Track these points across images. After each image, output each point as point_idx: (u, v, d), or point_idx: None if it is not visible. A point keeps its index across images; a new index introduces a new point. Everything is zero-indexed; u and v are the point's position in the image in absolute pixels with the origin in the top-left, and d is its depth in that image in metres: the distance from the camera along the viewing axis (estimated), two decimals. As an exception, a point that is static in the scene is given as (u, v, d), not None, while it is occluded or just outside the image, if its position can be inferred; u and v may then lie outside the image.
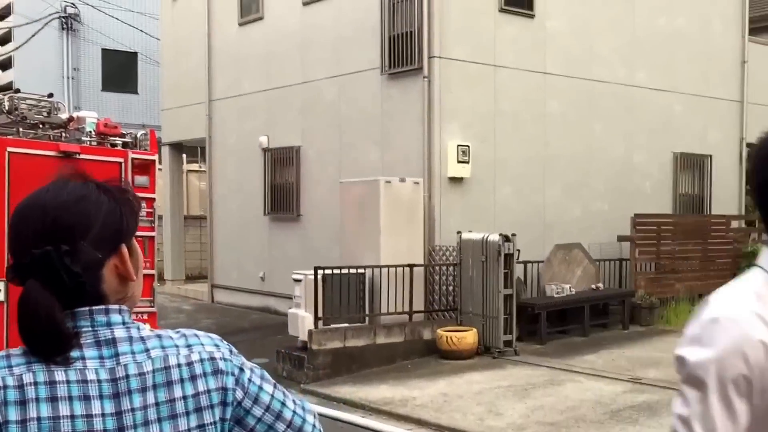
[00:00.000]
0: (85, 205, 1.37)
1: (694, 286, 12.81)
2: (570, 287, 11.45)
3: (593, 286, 11.88)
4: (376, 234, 10.50)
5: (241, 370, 1.45)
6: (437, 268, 10.91)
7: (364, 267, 10.23)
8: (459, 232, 10.58)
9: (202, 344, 1.44)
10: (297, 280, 10.25)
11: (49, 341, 1.30)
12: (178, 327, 1.49)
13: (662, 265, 12.62)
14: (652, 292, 12.18)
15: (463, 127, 11.35)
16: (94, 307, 1.35)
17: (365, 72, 12.03)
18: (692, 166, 14.20)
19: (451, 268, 10.74)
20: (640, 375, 9.00)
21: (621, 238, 12.38)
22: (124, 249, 1.41)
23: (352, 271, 10.12)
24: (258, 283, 14.40)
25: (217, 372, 1.41)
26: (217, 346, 1.46)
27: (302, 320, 9.97)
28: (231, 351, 1.47)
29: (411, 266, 10.35)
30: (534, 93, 12.07)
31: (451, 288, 10.78)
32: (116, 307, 1.38)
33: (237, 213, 14.91)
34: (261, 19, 14.17)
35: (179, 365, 1.38)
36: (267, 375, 1.51)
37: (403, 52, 11.36)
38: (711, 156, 14.37)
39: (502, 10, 11.71)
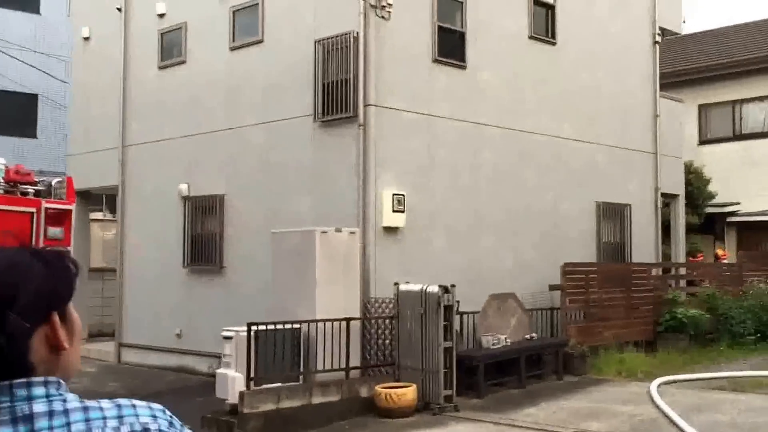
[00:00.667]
0: (16, 273, 1.33)
1: (620, 333, 12.97)
2: (505, 338, 11.33)
3: (527, 336, 11.81)
4: (312, 286, 10.10)
5: None
6: (374, 321, 10.57)
7: (300, 322, 9.79)
8: (396, 284, 10.31)
9: (137, 415, 1.37)
10: (227, 338, 9.70)
11: None
12: (78, 394, 1.38)
13: (591, 313, 12.71)
14: (582, 340, 12.21)
15: (398, 175, 11.17)
16: (14, 381, 1.29)
17: (297, 119, 11.73)
18: (613, 215, 14.48)
19: (388, 321, 10.43)
20: (583, 428, 8.88)
21: (552, 287, 12.41)
22: (55, 317, 1.36)
23: (287, 326, 9.67)
24: (174, 340, 13.61)
25: None
26: (154, 416, 1.39)
27: (232, 381, 9.41)
28: (171, 423, 1.40)
29: (348, 320, 9.98)
30: (468, 143, 12.05)
31: (388, 342, 10.45)
32: (41, 379, 1.32)
33: (151, 265, 14.15)
34: (183, 62, 13.68)
35: None
36: None
37: (338, 100, 11.13)
38: (630, 205, 14.71)
39: (435, 61, 11.69)
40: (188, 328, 13.30)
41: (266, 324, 9.46)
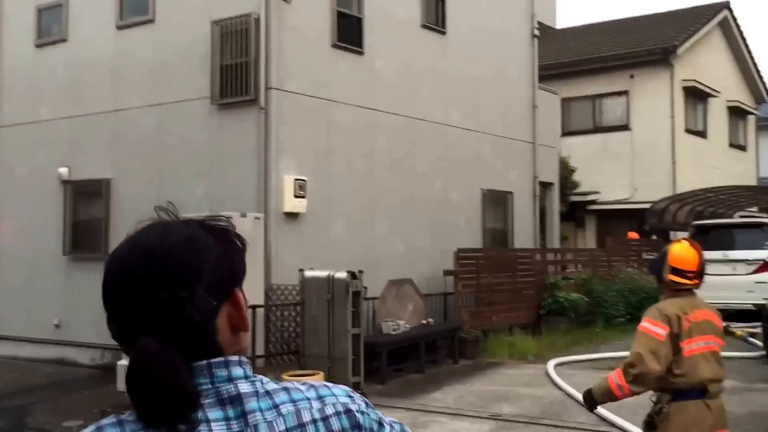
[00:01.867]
0: (196, 246, 1.24)
1: (508, 317, 13.43)
2: (404, 323, 11.46)
3: (423, 321, 11.99)
4: (217, 274, 9.79)
5: (380, 425, 1.33)
6: (278, 309, 10.41)
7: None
8: (301, 270, 10.19)
9: (335, 395, 1.31)
10: (129, 328, 9.25)
11: (172, 405, 1.15)
12: None
13: (482, 298, 13.08)
14: (474, 324, 12.55)
15: (299, 161, 11.03)
16: (212, 360, 1.21)
17: (192, 101, 11.32)
18: (497, 202, 14.95)
19: (293, 309, 10.30)
20: (496, 411, 9.13)
21: (446, 273, 12.66)
22: (239, 294, 1.28)
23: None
24: (51, 331, 12.86)
25: (355, 427, 1.29)
26: (351, 397, 1.33)
27: (136, 372, 8.99)
28: (366, 404, 1.34)
29: (253, 307, 9.76)
30: (365, 130, 12.07)
31: (293, 329, 10.33)
32: (236, 358, 1.24)
33: (25, 253, 13.25)
34: (64, 41, 12.84)
35: (314, 421, 1.25)
36: (408, 430, 1.38)
37: (237, 83, 10.83)
38: (512, 193, 15.24)
39: (334, 46, 11.61)
40: (68, 318, 12.58)
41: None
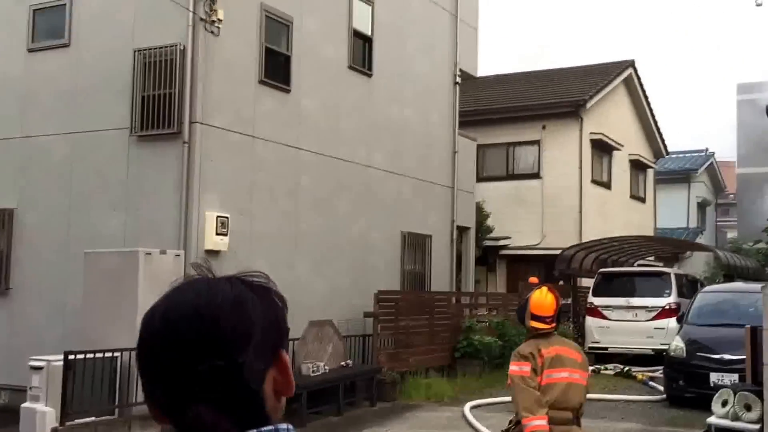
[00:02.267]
0: (244, 307, 1.17)
1: (424, 359, 13.41)
2: (324, 365, 11.25)
3: (343, 363, 11.82)
4: (133, 312, 9.33)
5: None
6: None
7: (120, 350, 9.04)
8: (222, 310, 9.87)
9: None
10: (36, 368, 8.74)
11: None
12: None
13: (400, 339, 13.01)
14: (392, 366, 12.46)
15: (223, 197, 10.77)
16: (263, 429, 1.15)
17: (110, 131, 10.92)
18: (416, 245, 14.99)
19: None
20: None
21: (367, 314, 12.56)
22: (285, 356, 1.21)
23: (107, 355, 8.90)
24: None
25: None
26: None
27: (42, 416, 8.51)
28: None
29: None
30: (289, 167, 11.92)
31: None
32: (284, 426, 1.17)
33: None
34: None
35: None
36: None
37: (159, 114, 10.52)
38: (431, 236, 15.33)
39: (261, 82, 11.48)
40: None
41: (84, 353, 8.64)
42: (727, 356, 10.70)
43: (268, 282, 1.26)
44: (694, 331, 11.54)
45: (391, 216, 14.21)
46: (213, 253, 10.55)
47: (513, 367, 4.70)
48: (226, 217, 10.67)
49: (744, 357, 8.76)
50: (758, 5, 17.76)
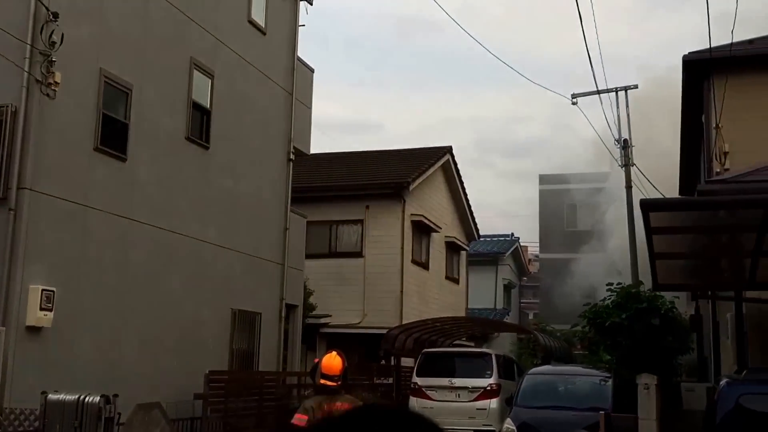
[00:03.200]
0: None
1: (254, 444, 12.95)
2: (150, 452, 10.56)
3: (170, 450, 11.15)
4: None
5: None
6: (11, 436, 9.10)
7: None
8: (44, 393, 9.08)
9: None
10: None
11: None
12: None
13: (230, 422, 12.51)
14: (221, 452, 11.93)
15: (49, 270, 10.03)
16: None
17: None
18: (246, 323, 14.64)
19: (29, 436, 9.06)
20: None
21: (197, 396, 12.00)
22: None
23: None
24: None
25: None
26: None
27: None
28: None
29: (-18, 435, 8.47)
30: (120, 239, 11.35)
31: (26, 460, 9.05)
32: None
33: None
34: None
35: None
36: None
37: (-17, 178, 9.72)
38: (261, 314, 15.04)
39: (96, 149, 10.95)
40: None
41: None
42: (559, 439, 11.10)
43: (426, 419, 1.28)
44: (524, 413, 11.94)
45: (222, 292, 13.83)
46: (35, 330, 9.76)
47: (295, 417, 5.65)
48: (52, 291, 9.92)
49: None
50: (573, 103, 19.49)
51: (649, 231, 6.87)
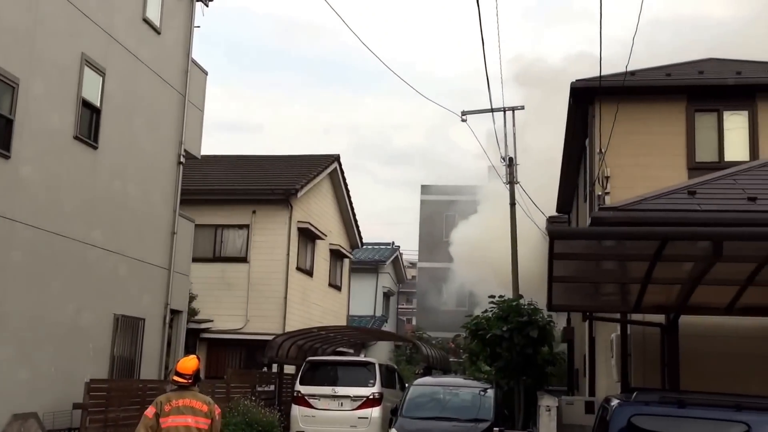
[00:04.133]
0: None
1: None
2: (26, 464, 10.11)
3: (46, 462, 10.69)
4: None
5: None
6: None
7: None
8: None
9: None
10: None
11: None
12: None
13: (109, 434, 12.09)
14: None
15: None
16: None
17: None
18: (129, 328, 14.19)
19: None
20: None
21: (76, 406, 11.53)
22: None
23: None
24: None
25: None
26: None
27: None
28: None
29: None
30: (0, 240, 10.78)
31: None
32: None
33: None
34: None
35: None
36: None
37: None
38: (144, 319, 14.62)
39: (-21, 145, 10.38)
40: None
41: None
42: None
43: None
44: (409, 424, 12.16)
45: (105, 297, 13.37)
46: None
47: (148, 409, 6.54)
48: (-75, 294, 9.33)
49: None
50: (463, 120, 19.98)
51: (552, 257, 7.20)
